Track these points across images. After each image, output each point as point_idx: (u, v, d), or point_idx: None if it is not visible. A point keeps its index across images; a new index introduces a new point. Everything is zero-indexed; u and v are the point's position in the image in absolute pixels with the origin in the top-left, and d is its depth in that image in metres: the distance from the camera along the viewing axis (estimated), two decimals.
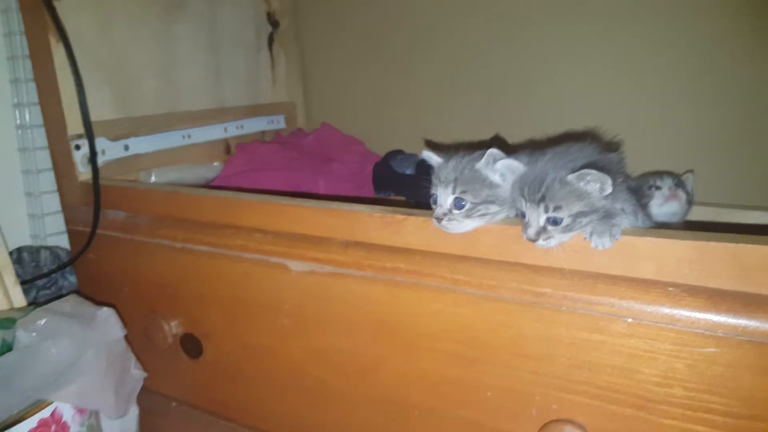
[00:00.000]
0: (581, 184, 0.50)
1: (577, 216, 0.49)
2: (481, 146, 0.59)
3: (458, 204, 0.54)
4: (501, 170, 0.54)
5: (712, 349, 0.46)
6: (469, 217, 0.55)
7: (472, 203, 0.54)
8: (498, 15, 1.11)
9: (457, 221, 0.55)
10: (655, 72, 0.99)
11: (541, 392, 0.55)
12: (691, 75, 0.96)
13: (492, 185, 0.55)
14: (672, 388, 0.48)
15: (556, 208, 0.49)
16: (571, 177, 0.49)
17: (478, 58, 1.15)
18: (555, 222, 0.50)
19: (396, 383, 0.65)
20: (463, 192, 0.54)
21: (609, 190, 0.50)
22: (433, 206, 0.57)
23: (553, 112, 1.09)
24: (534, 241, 0.50)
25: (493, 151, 0.54)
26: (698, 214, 0.86)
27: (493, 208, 0.55)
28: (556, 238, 0.50)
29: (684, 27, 0.95)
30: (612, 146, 0.64)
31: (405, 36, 1.23)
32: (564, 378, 0.53)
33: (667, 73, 0.98)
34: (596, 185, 0.49)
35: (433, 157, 0.59)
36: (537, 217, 0.50)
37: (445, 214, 0.55)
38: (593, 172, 0.48)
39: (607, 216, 0.50)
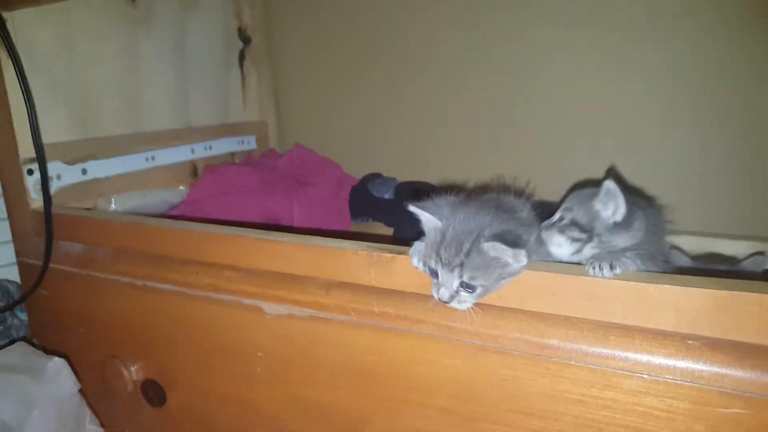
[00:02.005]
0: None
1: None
2: (473, 192, 0.55)
3: (467, 287, 0.50)
4: (511, 252, 0.49)
5: (738, 410, 0.42)
6: (480, 296, 0.51)
7: (482, 285, 0.50)
8: (481, 33, 1.09)
9: (467, 302, 0.51)
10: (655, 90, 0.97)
11: None
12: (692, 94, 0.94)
13: (504, 265, 0.49)
14: None
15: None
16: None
17: (458, 78, 1.13)
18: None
19: None
20: (472, 278, 0.49)
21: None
22: (433, 279, 0.52)
23: (540, 136, 1.07)
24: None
25: (496, 244, 0.48)
26: (688, 244, 0.84)
27: (503, 282, 0.50)
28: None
29: (688, 43, 0.93)
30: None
31: (382, 54, 1.20)
32: None
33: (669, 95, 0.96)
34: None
35: (423, 215, 0.53)
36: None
37: (452, 297, 0.50)
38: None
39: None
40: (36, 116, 0.79)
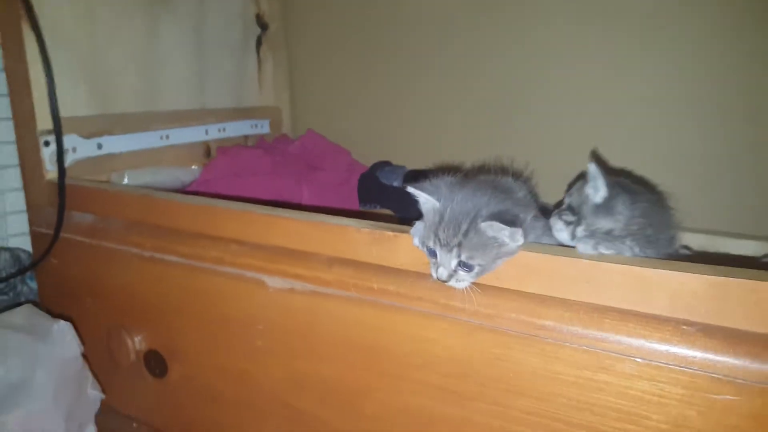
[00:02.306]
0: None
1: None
2: (471, 173, 0.55)
3: (465, 266, 0.50)
4: (508, 231, 0.49)
5: (729, 397, 0.42)
6: (478, 275, 0.51)
7: (480, 265, 0.50)
8: (494, 24, 1.09)
9: (465, 281, 0.51)
10: (654, 90, 0.97)
11: None
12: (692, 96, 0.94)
13: (501, 244, 0.50)
14: None
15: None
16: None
17: (471, 67, 1.13)
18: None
19: (381, 417, 0.60)
20: (470, 257, 0.50)
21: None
22: (432, 259, 0.52)
23: (550, 125, 1.07)
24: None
25: (494, 223, 0.49)
26: (690, 241, 0.83)
27: (500, 262, 0.51)
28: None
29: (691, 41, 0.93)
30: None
31: (396, 45, 1.20)
32: (563, 421, 0.49)
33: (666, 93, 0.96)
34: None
35: (421, 196, 0.54)
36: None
37: (450, 276, 0.51)
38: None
39: None
40: (54, 89, 0.80)
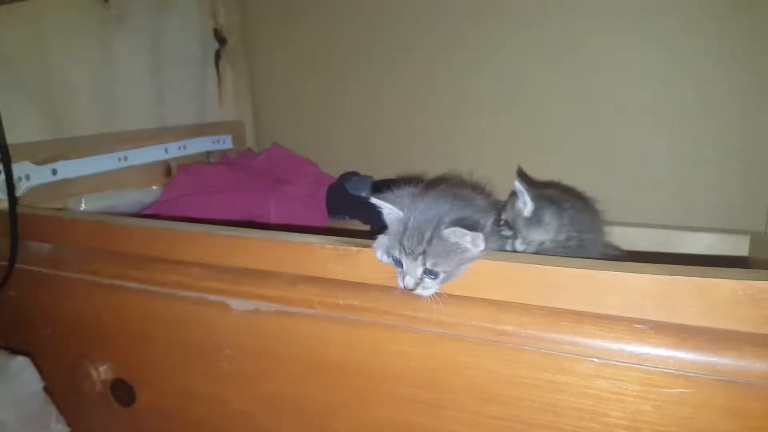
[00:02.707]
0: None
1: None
2: (442, 182, 0.56)
3: (430, 273, 0.51)
4: (470, 237, 0.51)
5: (681, 390, 0.44)
6: (443, 282, 0.52)
7: (445, 271, 0.51)
8: (461, 32, 1.09)
9: (431, 288, 0.52)
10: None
11: None
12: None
13: (464, 250, 0.51)
14: None
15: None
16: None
17: (436, 76, 1.14)
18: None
19: None
20: (435, 264, 0.51)
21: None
22: (397, 269, 0.53)
23: (523, 135, 1.08)
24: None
25: (456, 229, 0.50)
26: (648, 237, 0.86)
27: (464, 267, 0.52)
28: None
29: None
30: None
31: (358, 54, 1.21)
32: (528, 422, 0.50)
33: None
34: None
35: (384, 206, 0.55)
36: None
37: (417, 284, 0.52)
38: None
39: None
40: (0, 117, 0.78)
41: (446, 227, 0.50)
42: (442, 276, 0.51)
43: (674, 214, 0.93)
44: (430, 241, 0.50)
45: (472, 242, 0.50)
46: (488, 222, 0.55)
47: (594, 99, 1.00)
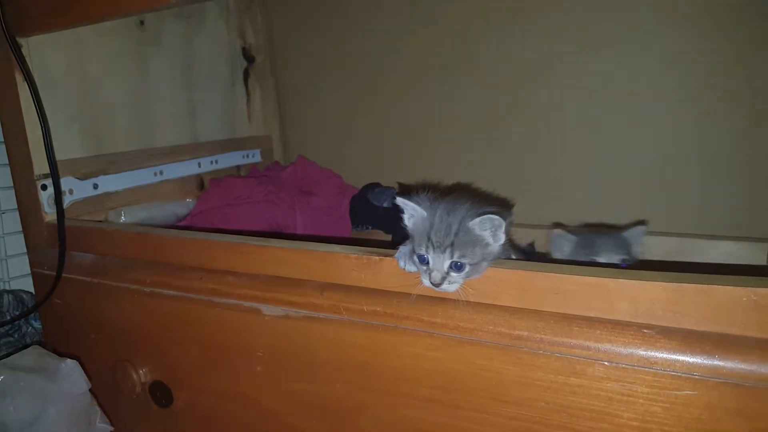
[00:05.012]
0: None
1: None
2: (453, 190, 0.59)
3: (456, 266, 0.54)
4: (492, 230, 0.55)
5: (689, 392, 0.46)
6: (468, 276, 0.55)
7: (470, 265, 0.54)
8: (482, 48, 1.13)
9: (457, 283, 0.55)
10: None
11: None
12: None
13: (486, 244, 0.55)
14: None
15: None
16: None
17: (460, 90, 1.17)
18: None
19: (377, 431, 0.63)
20: (461, 256, 0.53)
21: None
22: (423, 267, 0.56)
23: (535, 148, 1.11)
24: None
25: (483, 218, 0.54)
26: (666, 245, 0.87)
27: (485, 264, 0.55)
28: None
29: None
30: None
31: (380, 69, 1.25)
32: (543, 423, 0.52)
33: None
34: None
35: (409, 205, 0.58)
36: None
37: (443, 278, 0.54)
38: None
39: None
40: (50, 135, 0.83)
41: (472, 218, 0.54)
42: (467, 269, 0.53)
43: (694, 222, 0.94)
44: (457, 233, 0.54)
45: (495, 235, 0.54)
46: (508, 216, 0.57)
47: (611, 107, 1.02)
